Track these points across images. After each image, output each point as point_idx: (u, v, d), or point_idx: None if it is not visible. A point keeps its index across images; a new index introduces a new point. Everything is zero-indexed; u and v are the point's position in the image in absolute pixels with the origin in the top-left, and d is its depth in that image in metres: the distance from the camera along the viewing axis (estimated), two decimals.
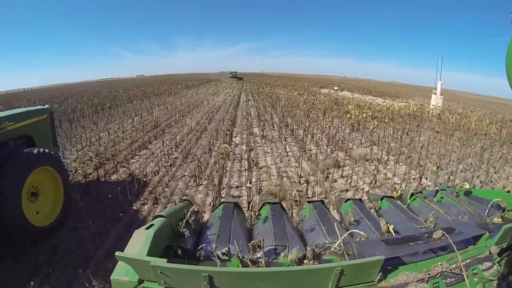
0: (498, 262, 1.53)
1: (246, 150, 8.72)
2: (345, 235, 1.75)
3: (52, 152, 4.35)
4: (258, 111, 16.28)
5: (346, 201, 2.80)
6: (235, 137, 10.70)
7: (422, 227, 2.13)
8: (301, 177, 6.47)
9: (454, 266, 1.50)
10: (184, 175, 6.77)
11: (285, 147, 9.01)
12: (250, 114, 15.53)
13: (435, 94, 23.34)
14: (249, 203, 4.56)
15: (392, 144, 9.65)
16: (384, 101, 25.76)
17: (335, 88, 41.01)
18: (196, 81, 52.19)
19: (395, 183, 6.33)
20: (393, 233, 2.00)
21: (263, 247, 1.58)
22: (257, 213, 2.50)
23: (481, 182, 6.52)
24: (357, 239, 1.86)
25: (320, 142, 9.88)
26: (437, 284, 1.43)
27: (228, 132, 10.74)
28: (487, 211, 2.23)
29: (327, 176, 6.47)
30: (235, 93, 30.22)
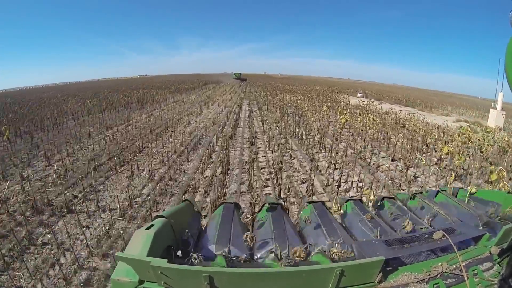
0: (499, 263, 1.52)
1: None
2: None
3: None
4: (278, 165, 6.89)
5: (346, 202, 2.70)
6: None
7: (422, 228, 2.11)
8: None
9: (455, 266, 1.48)
10: None
11: None
12: (259, 178, 6.34)
13: (495, 109, 16.35)
14: None
15: None
16: (463, 125, 17.64)
17: (358, 95, 33.86)
18: (191, 84, 44.54)
19: None
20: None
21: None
22: (257, 214, 2.48)
23: None
24: (358, 240, 1.88)
25: None
26: (437, 284, 1.40)
27: None
28: (487, 211, 2.20)
29: None
30: (234, 101, 22.67)
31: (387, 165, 7.93)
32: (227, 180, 6.57)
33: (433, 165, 8.14)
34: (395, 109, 22.49)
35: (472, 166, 7.65)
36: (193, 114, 16.05)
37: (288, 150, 8.88)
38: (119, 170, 7.21)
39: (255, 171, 6.55)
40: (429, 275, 1.43)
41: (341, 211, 2.68)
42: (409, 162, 7.92)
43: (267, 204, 2.41)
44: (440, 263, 1.49)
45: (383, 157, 8.85)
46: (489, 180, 6.47)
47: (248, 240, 1.80)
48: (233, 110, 17.78)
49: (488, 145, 9.99)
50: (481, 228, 1.92)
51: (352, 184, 6.45)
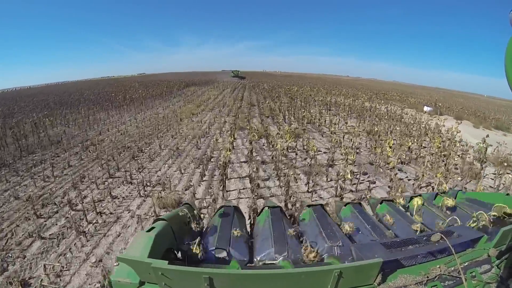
0: (497, 265, 1.50)
1: None
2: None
3: None
4: None
5: (345, 205, 2.68)
6: None
7: (421, 230, 2.08)
8: None
9: (453, 269, 1.45)
10: None
11: None
12: None
13: None
14: None
15: None
16: None
17: (426, 109, 22.19)
18: (160, 88, 31.40)
19: None
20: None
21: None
22: (257, 217, 2.47)
23: None
24: (356, 243, 1.86)
25: None
26: (436, 287, 1.39)
27: None
28: (485, 214, 2.19)
29: None
30: (201, 171, 9.95)
31: None
32: None
33: None
34: None
35: None
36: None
37: None
38: None
39: None
40: (427, 277, 1.41)
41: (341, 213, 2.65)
42: None
43: (266, 208, 2.41)
44: (438, 265, 1.47)
45: None
46: None
47: (248, 242, 1.82)
48: None
49: None
50: (479, 230, 1.88)
51: None
